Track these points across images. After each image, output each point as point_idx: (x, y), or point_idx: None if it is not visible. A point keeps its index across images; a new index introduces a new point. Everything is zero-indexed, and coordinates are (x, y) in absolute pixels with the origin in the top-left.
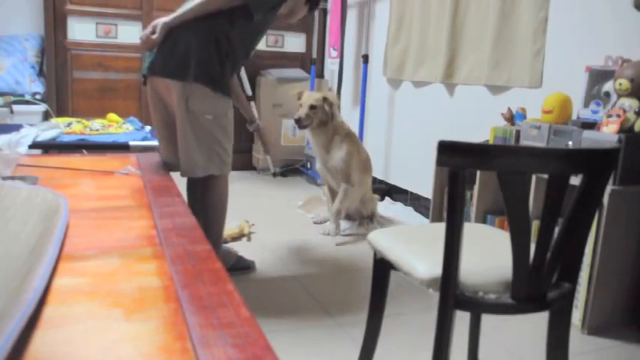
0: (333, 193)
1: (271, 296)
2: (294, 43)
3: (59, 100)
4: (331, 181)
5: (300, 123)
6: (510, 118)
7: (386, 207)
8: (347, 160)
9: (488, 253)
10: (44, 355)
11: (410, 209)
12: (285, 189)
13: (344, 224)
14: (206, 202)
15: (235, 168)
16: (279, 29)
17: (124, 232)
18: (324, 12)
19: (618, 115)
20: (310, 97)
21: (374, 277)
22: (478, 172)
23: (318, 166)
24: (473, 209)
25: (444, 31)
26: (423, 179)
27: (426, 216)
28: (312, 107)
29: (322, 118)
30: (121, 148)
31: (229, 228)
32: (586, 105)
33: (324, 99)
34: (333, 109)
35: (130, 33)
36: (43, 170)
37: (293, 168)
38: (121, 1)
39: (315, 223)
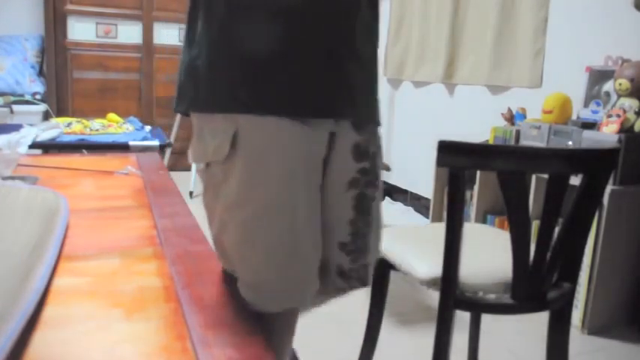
0: None
1: None
2: None
3: (59, 100)
4: None
5: None
6: (510, 118)
7: (386, 207)
8: None
9: (489, 253)
10: (44, 356)
11: (410, 209)
12: None
13: None
14: None
15: None
16: None
17: (124, 232)
18: None
19: (618, 115)
20: None
21: (374, 277)
22: (478, 172)
23: None
24: (473, 209)
25: (444, 31)
26: (423, 179)
27: (426, 216)
28: None
29: None
30: (121, 148)
31: None
32: (586, 105)
33: None
34: None
35: (130, 33)
36: (43, 170)
37: None
38: (121, 1)
39: None
